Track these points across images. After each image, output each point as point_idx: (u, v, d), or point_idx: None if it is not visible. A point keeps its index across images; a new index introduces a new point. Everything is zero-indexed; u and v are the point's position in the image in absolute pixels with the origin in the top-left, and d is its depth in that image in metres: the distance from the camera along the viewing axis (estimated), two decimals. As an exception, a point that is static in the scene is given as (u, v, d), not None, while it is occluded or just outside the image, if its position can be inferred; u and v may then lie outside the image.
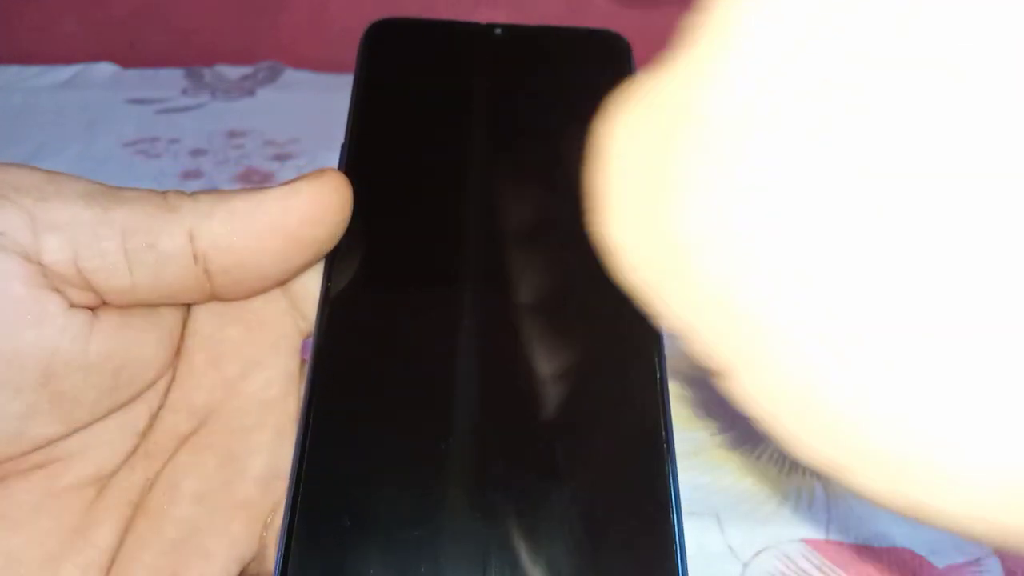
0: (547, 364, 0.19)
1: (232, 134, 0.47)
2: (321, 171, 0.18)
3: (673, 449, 0.18)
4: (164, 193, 0.18)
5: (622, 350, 0.19)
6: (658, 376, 0.18)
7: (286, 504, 0.17)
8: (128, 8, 0.49)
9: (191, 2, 0.49)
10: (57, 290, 0.17)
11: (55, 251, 0.17)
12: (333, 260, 0.20)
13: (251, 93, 0.50)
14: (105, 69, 0.50)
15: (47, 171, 0.17)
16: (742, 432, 0.31)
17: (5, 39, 0.49)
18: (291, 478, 0.18)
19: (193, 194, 0.18)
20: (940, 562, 0.26)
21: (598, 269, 0.16)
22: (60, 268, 0.17)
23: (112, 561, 0.18)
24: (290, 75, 0.51)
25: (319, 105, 0.44)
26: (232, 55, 0.50)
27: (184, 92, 0.49)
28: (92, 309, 0.18)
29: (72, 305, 0.17)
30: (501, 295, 0.19)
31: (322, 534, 0.17)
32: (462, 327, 0.19)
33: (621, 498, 0.17)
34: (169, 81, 0.50)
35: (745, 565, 0.27)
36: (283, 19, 0.50)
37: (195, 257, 0.18)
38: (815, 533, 0.27)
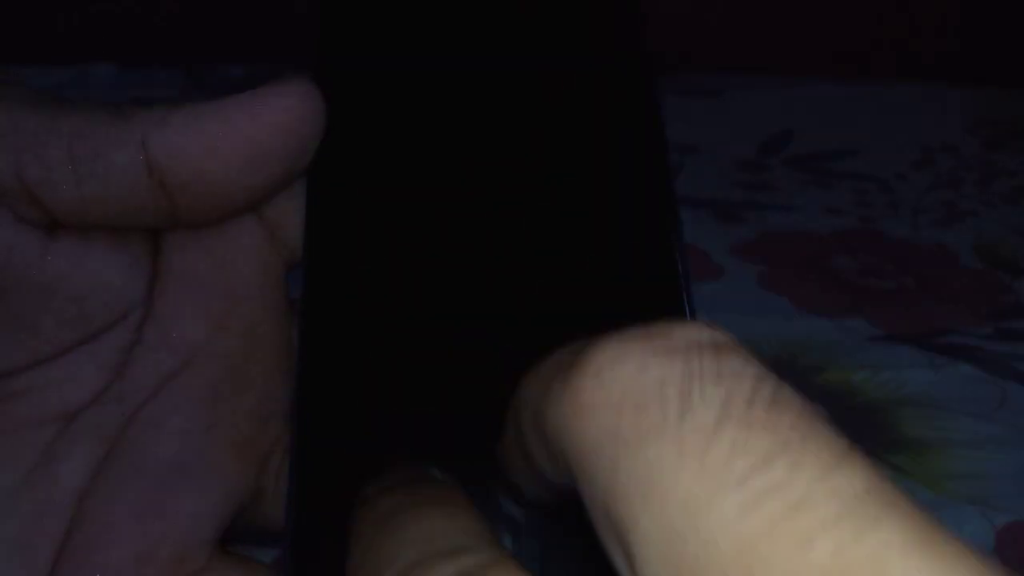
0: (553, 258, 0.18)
1: (231, 132, 0.46)
2: (288, 78, 0.17)
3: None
4: (119, 104, 0.17)
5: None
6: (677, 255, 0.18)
7: (291, 446, 0.17)
8: (128, 8, 0.49)
9: (192, 2, 0.49)
10: (1, 203, 0.16)
11: None
12: (316, 180, 0.18)
13: (251, 93, 0.49)
14: (105, 69, 0.50)
15: None
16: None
17: (5, 39, 0.49)
18: (294, 419, 0.17)
19: (150, 106, 0.17)
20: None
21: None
22: (2, 180, 0.16)
23: (84, 496, 0.17)
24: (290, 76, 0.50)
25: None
26: (232, 55, 0.50)
27: (184, 92, 0.49)
28: (48, 230, 0.17)
29: (22, 220, 0.16)
30: (499, 199, 0.18)
31: (330, 476, 0.16)
32: (460, 243, 0.18)
33: None
34: (169, 81, 0.50)
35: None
36: (283, 19, 0.50)
37: (149, 168, 0.16)
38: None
